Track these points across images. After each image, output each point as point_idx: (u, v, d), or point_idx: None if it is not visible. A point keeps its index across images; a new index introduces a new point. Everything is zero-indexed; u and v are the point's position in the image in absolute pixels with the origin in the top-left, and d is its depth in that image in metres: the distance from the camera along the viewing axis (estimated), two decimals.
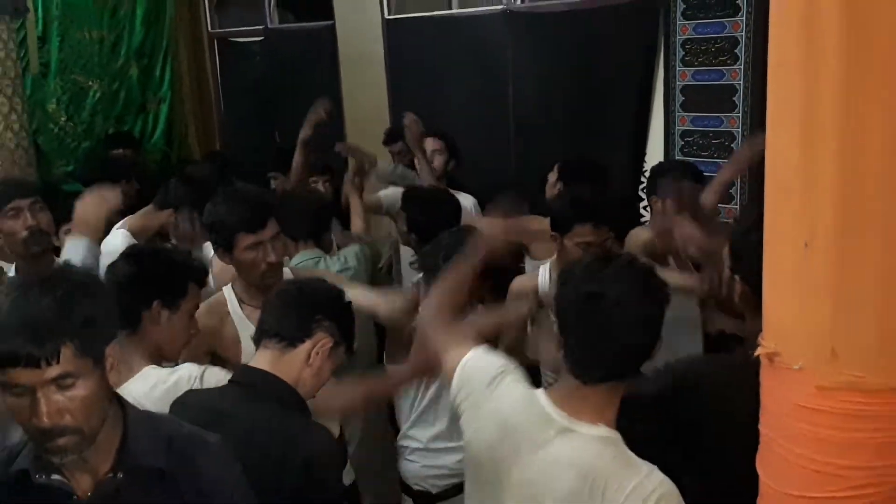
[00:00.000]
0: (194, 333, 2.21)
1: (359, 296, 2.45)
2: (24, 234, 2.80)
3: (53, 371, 1.32)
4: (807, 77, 1.23)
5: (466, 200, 3.99)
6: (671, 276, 2.78)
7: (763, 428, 1.46)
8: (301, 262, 3.10)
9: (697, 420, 1.79)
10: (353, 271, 3.19)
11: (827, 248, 1.25)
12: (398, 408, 2.78)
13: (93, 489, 1.43)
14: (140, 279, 2.08)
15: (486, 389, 1.75)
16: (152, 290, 2.07)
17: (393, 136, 4.75)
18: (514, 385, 1.76)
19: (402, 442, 2.76)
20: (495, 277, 2.61)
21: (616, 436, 1.63)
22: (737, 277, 1.85)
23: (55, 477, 1.42)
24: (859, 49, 1.16)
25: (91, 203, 2.79)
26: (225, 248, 2.51)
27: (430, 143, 4.08)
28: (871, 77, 1.16)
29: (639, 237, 3.11)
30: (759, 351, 1.42)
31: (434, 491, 2.66)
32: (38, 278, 1.42)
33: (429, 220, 3.08)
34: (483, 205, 3.90)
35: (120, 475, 1.44)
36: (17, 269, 2.87)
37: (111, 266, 2.17)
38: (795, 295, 1.32)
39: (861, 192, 1.20)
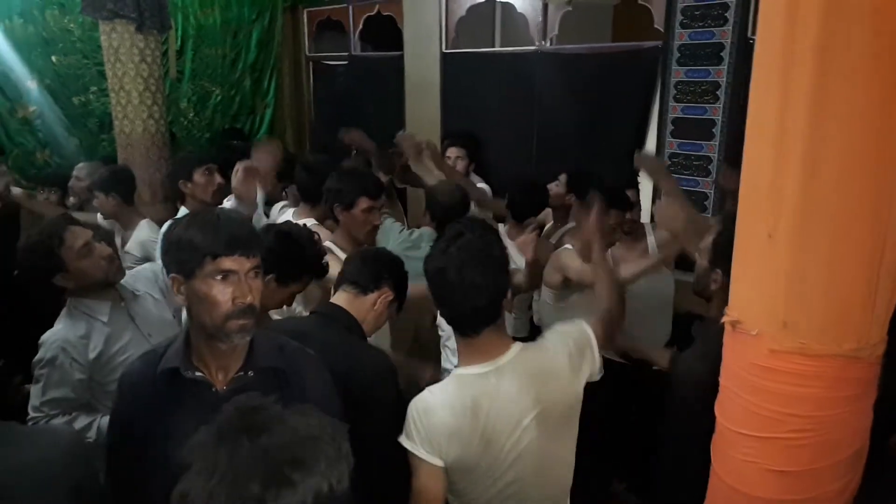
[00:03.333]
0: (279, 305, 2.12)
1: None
2: (214, 188, 3.04)
3: (254, 261, 1.40)
4: (779, 102, 1.20)
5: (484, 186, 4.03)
6: (635, 266, 2.77)
7: (723, 380, 1.45)
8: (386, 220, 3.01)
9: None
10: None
11: (786, 238, 1.23)
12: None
13: (228, 384, 1.45)
14: (274, 252, 1.97)
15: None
16: (272, 264, 1.95)
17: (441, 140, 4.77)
18: (436, 392, 1.61)
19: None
20: None
21: (519, 344, 1.62)
22: (718, 270, 1.81)
23: (199, 374, 1.44)
24: (825, 77, 1.13)
25: (241, 177, 2.64)
26: (345, 208, 2.58)
27: (454, 152, 4.06)
28: (833, 101, 1.13)
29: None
30: (724, 319, 1.40)
31: None
32: (223, 210, 1.53)
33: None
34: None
35: (250, 373, 1.46)
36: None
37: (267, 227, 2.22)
38: (758, 275, 1.30)
39: (818, 194, 1.18)
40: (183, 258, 1.38)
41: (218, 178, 3.05)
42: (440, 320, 2.73)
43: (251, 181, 2.63)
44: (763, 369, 1.30)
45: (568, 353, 1.63)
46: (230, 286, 1.37)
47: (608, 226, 2.71)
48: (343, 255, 2.48)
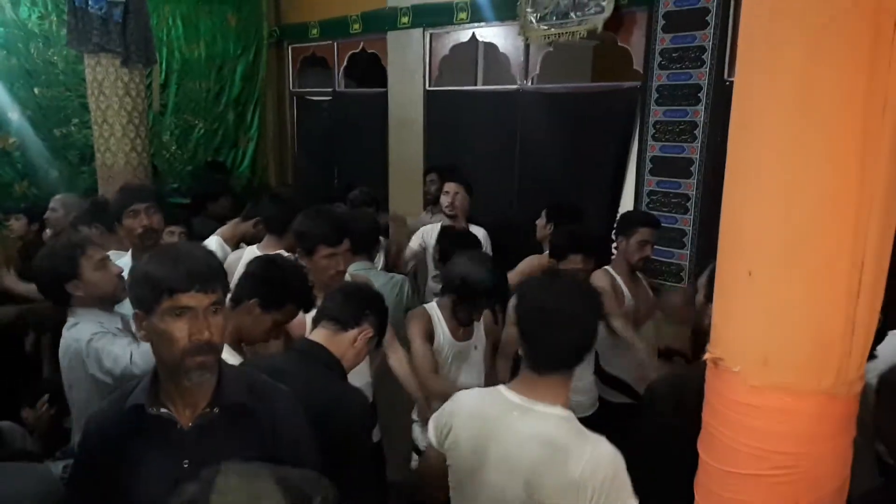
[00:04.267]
0: (271, 336, 2.12)
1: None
2: (140, 231, 2.81)
3: (214, 297, 1.38)
4: (758, 142, 1.23)
5: (480, 231, 4.02)
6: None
7: (705, 417, 1.45)
8: (356, 270, 3.04)
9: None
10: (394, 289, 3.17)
11: (766, 276, 1.24)
12: None
13: (193, 420, 1.43)
14: (256, 276, 2.06)
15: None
16: (255, 288, 2.02)
17: (427, 172, 4.87)
18: (476, 389, 1.77)
19: (413, 414, 2.75)
20: None
21: (570, 414, 1.60)
22: (711, 304, 1.83)
23: (164, 410, 1.42)
24: (802, 120, 1.16)
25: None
26: (306, 253, 2.52)
27: (454, 187, 4.07)
28: (810, 141, 1.16)
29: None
30: (706, 356, 1.41)
31: None
32: (188, 245, 1.55)
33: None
34: (490, 236, 3.93)
35: (216, 410, 1.44)
36: (133, 258, 2.84)
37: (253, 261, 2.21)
38: (738, 313, 1.32)
39: (796, 232, 1.20)
40: (142, 294, 1.36)
41: (143, 220, 2.80)
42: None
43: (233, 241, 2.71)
44: (744, 406, 1.30)
45: (591, 472, 1.50)
46: (187, 322, 1.35)
47: (569, 271, 2.76)
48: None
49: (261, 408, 1.47)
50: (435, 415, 1.73)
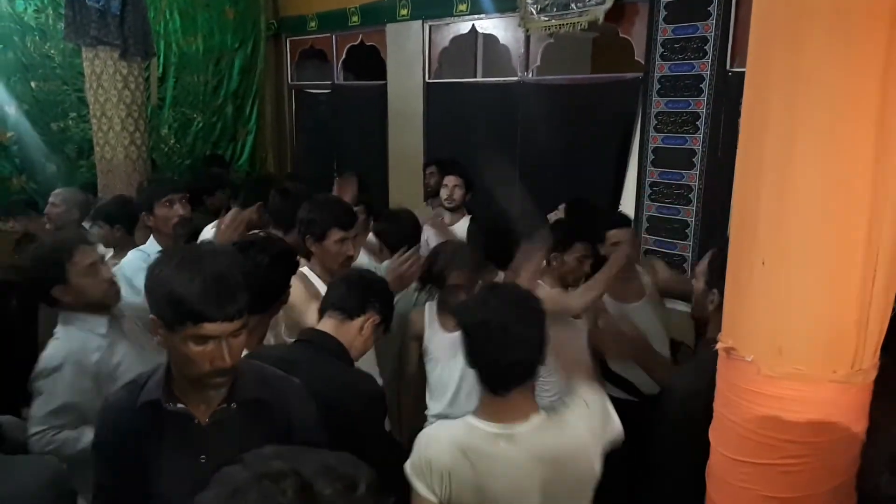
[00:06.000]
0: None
1: None
2: (175, 220, 2.83)
3: (238, 324, 1.33)
4: (770, 129, 1.23)
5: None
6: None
7: (717, 406, 1.44)
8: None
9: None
10: None
11: (780, 265, 1.24)
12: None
13: (210, 416, 1.42)
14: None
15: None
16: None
17: (427, 165, 4.79)
18: (445, 427, 1.63)
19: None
20: None
21: (543, 415, 1.55)
22: (715, 291, 1.83)
23: (180, 406, 1.40)
24: (815, 106, 1.15)
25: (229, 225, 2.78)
26: (316, 239, 2.50)
27: (452, 180, 4.05)
28: (824, 129, 1.16)
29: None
30: (718, 345, 1.40)
31: None
32: (212, 253, 1.37)
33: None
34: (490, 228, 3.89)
35: (233, 405, 1.43)
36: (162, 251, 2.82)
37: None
38: (752, 302, 1.31)
39: (811, 222, 1.20)
40: (164, 310, 1.30)
41: (180, 210, 2.86)
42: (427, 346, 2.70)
43: (240, 231, 2.61)
44: (758, 395, 1.30)
45: (590, 428, 1.56)
46: (209, 348, 1.32)
47: (574, 259, 2.73)
48: (319, 283, 2.47)
49: (275, 401, 1.47)
50: (411, 465, 1.58)
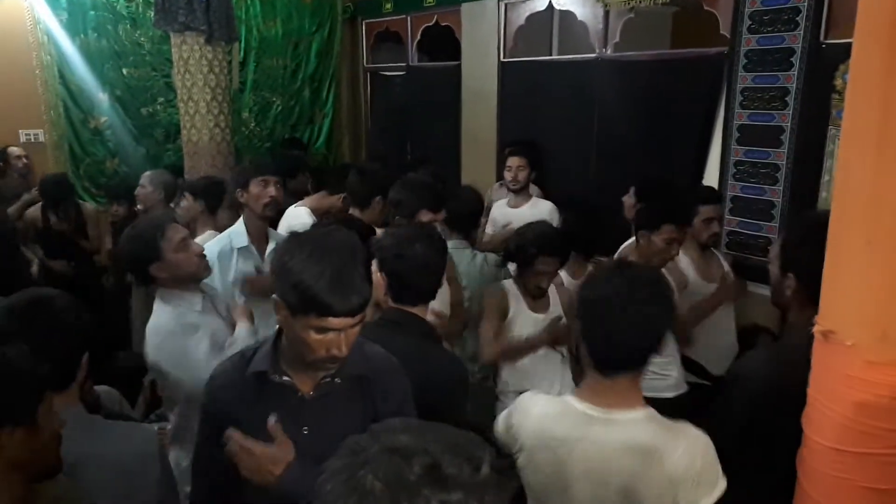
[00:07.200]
0: None
1: None
2: (267, 200, 2.91)
3: (358, 318, 1.36)
4: (880, 105, 1.16)
5: (546, 206, 4.01)
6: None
7: (812, 392, 1.39)
8: (452, 248, 2.91)
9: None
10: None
11: (887, 245, 1.17)
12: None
13: (314, 389, 1.46)
14: None
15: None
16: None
17: (502, 148, 4.77)
18: (539, 401, 1.55)
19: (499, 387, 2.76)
20: None
21: (651, 411, 1.46)
22: (790, 275, 1.74)
23: (286, 378, 1.45)
24: None
25: None
26: (406, 219, 2.55)
27: (516, 161, 4.02)
28: None
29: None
30: (815, 329, 1.35)
31: None
32: (341, 245, 1.37)
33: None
34: (563, 211, 3.85)
35: (337, 380, 1.47)
36: (245, 225, 2.95)
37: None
38: (854, 284, 1.25)
39: None
40: (290, 297, 1.31)
41: (272, 191, 2.92)
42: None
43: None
44: (859, 382, 1.24)
45: (681, 483, 1.39)
46: (329, 337, 1.34)
47: (661, 240, 2.68)
48: None
49: (375, 378, 1.50)
50: (502, 420, 1.57)
